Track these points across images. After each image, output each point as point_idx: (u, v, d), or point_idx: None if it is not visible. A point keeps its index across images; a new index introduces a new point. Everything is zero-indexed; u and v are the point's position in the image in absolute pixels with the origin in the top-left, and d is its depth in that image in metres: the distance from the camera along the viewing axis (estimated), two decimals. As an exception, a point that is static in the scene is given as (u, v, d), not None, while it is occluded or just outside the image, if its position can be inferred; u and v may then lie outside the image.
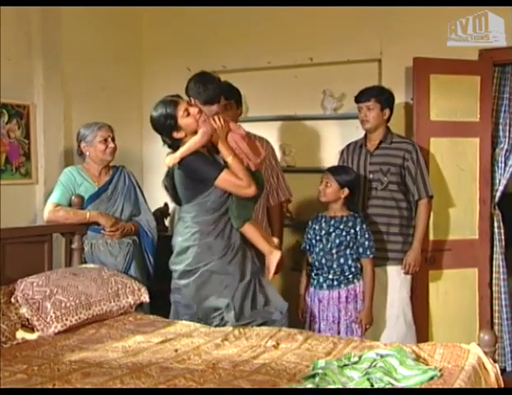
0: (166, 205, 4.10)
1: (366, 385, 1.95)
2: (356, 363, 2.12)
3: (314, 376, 2.05)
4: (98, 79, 4.13)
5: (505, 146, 3.92)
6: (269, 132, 4.37)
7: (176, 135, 2.86)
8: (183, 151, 2.85)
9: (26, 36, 3.61)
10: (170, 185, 2.99)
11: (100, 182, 3.44)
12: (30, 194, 3.63)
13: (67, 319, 2.72)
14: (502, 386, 2.25)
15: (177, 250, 2.98)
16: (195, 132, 2.85)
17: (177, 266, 2.98)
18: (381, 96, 3.49)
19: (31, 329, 2.69)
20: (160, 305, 3.33)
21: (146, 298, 3.07)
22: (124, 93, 4.43)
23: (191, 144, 2.84)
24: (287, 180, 3.73)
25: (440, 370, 2.08)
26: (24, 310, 2.72)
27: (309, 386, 1.99)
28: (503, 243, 3.94)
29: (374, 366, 2.07)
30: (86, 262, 3.30)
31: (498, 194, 3.90)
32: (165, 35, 4.54)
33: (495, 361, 2.29)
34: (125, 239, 3.41)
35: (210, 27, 4.39)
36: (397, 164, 3.48)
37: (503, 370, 2.30)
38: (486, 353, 2.26)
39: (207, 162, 2.88)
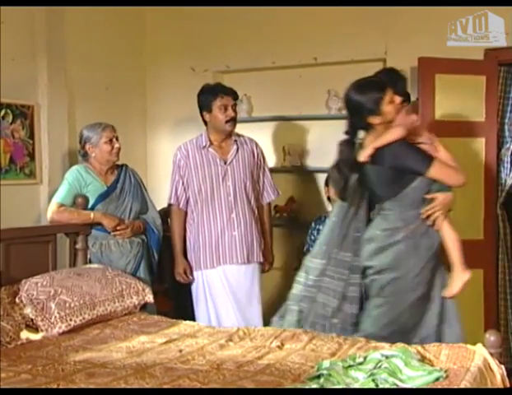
0: (170, 205, 4.08)
1: (371, 386, 1.95)
2: (360, 364, 2.11)
3: (318, 377, 2.05)
4: (102, 79, 4.14)
5: (511, 146, 3.90)
6: (273, 132, 4.38)
7: (372, 119, 2.64)
8: (377, 142, 2.62)
9: (30, 36, 3.61)
10: (363, 182, 2.72)
11: (107, 181, 3.43)
12: (35, 194, 3.63)
13: (71, 319, 2.72)
14: (508, 387, 2.23)
15: (377, 246, 2.69)
16: (389, 123, 2.65)
17: (373, 262, 2.69)
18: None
19: (35, 329, 2.69)
20: (160, 303, 3.36)
21: (150, 298, 3.06)
22: (128, 93, 4.44)
23: (387, 136, 2.61)
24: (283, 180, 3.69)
25: (446, 371, 2.06)
26: (28, 310, 2.72)
27: (314, 386, 1.98)
28: (509, 243, 3.92)
29: (379, 367, 2.06)
30: (91, 263, 3.30)
31: (504, 194, 3.88)
32: (168, 35, 4.54)
33: (500, 362, 2.28)
34: (135, 239, 3.41)
35: (214, 27, 4.38)
36: None
37: (509, 371, 2.28)
38: (491, 354, 2.25)
39: (416, 151, 2.65)
